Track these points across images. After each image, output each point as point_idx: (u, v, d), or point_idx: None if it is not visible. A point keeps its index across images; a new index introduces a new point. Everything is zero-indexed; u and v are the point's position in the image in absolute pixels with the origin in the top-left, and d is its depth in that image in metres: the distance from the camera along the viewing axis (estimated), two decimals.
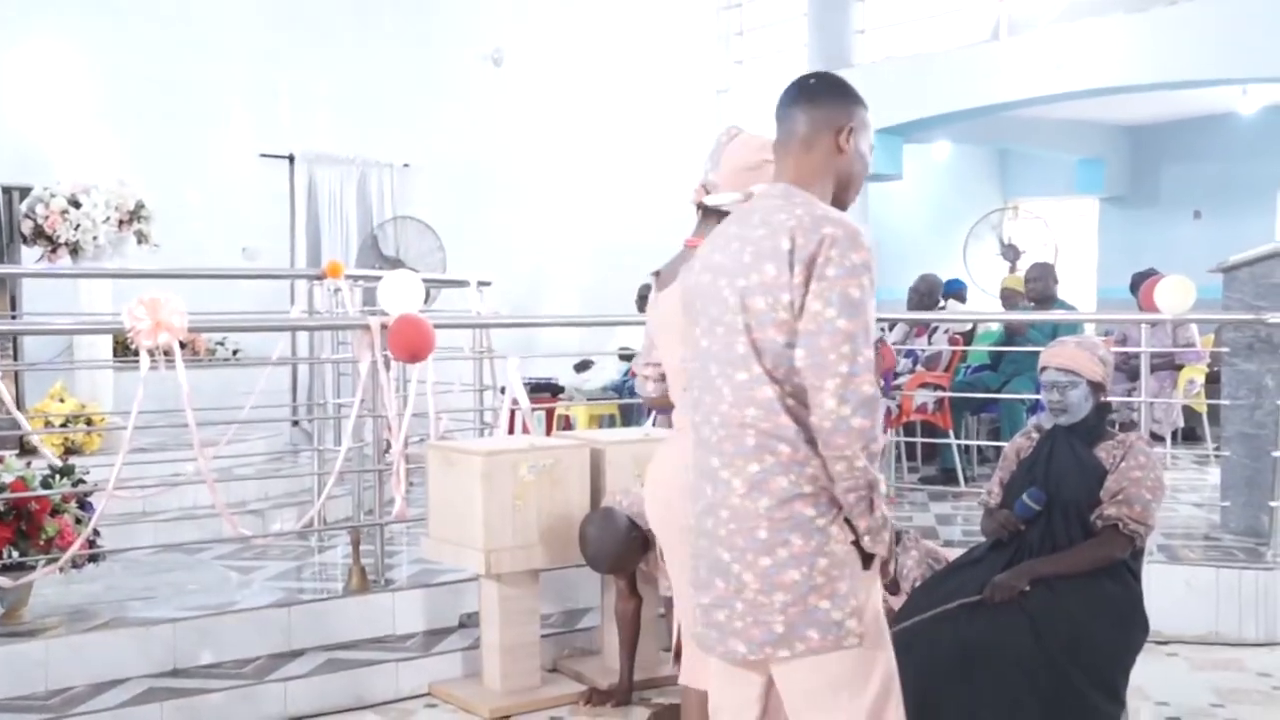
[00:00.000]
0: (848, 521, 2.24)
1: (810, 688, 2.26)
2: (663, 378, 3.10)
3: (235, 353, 8.92)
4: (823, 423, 2.20)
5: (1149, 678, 4.57)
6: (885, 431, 7.99)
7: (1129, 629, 3.73)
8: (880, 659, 2.29)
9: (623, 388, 8.68)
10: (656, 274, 3.07)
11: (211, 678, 4.42)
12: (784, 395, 2.23)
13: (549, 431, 8.05)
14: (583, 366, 9.26)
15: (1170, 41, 9.56)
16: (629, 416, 8.45)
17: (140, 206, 7.28)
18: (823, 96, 2.44)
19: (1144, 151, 13.65)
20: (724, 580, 2.26)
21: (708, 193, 2.87)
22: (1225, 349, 6.12)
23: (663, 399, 3.14)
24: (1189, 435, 9.64)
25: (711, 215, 2.87)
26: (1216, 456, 6.32)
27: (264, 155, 10.14)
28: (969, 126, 11.91)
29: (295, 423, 9.00)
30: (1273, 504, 5.62)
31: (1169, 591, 5.21)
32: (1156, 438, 8.76)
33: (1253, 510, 5.88)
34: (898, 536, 4.24)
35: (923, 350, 8.49)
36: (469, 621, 5.03)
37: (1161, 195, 13.45)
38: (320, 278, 6.97)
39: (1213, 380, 8.72)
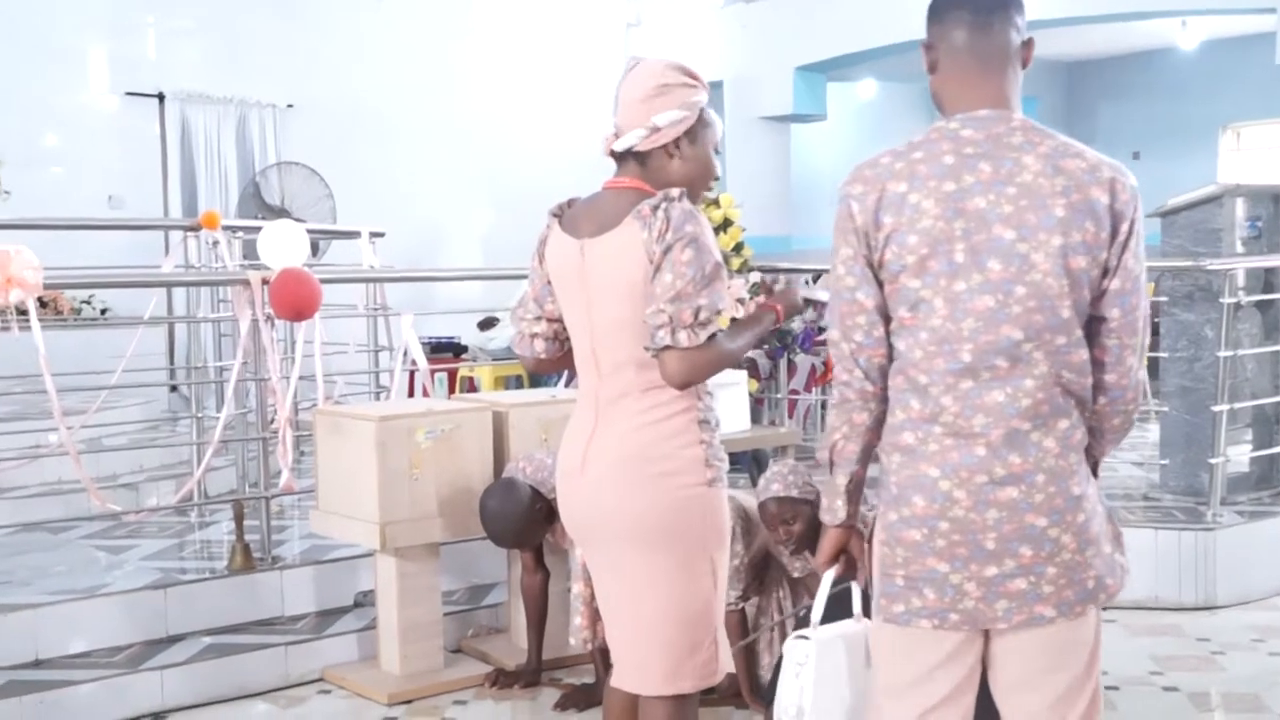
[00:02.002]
0: None
1: (1065, 642, 2.33)
2: (555, 336, 2.91)
3: (103, 312, 8.72)
4: (1122, 380, 2.33)
5: None
6: (810, 390, 8.06)
7: None
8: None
9: None
10: (558, 215, 2.86)
11: (78, 668, 4.32)
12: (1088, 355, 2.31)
13: (451, 394, 7.99)
14: (487, 324, 9.19)
15: None
16: (537, 378, 8.40)
17: None
18: (1016, 1, 2.38)
19: (1080, 89, 13.85)
20: (1033, 547, 2.26)
21: (617, 138, 2.75)
22: (1164, 298, 6.24)
23: (553, 361, 2.95)
24: None
25: (629, 159, 2.77)
26: (1156, 413, 6.47)
27: (130, 94, 9.88)
28: (896, 63, 11.96)
29: (173, 388, 8.84)
30: (1213, 461, 5.76)
31: None
32: None
33: (1192, 468, 6.01)
34: None
35: None
36: (364, 600, 4.99)
37: (1099, 135, 13.66)
38: (195, 229, 6.82)
39: (1153, 332, 8.91)
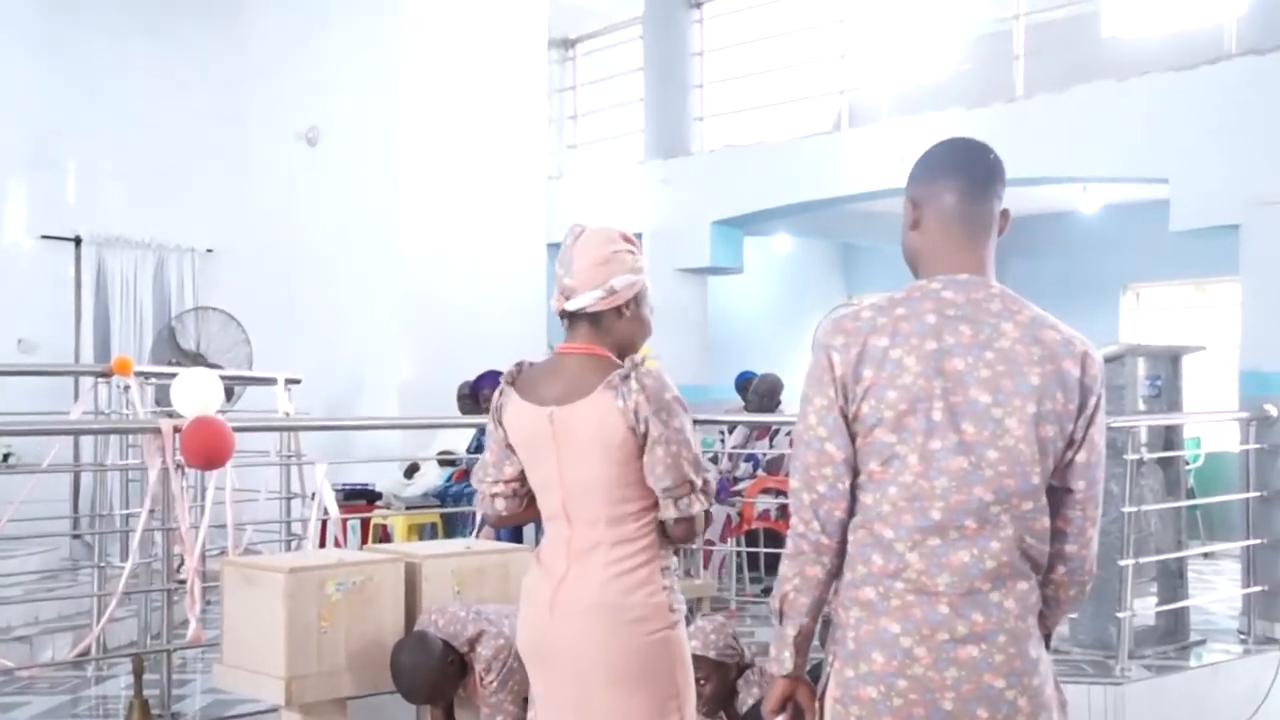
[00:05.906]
0: None
1: None
2: (515, 494, 3.01)
3: (6, 457, 8.52)
4: (1082, 550, 2.38)
5: None
6: (725, 541, 8.06)
7: None
8: None
9: (446, 495, 8.56)
10: (513, 380, 2.97)
11: None
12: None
13: (364, 543, 7.88)
14: (412, 470, 9.11)
15: (1009, 138, 10.01)
16: (452, 526, 8.33)
17: None
18: (1002, 173, 2.43)
19: None
20: (989, 709, 2.26)
21: (567, 299, 2.89)
22: None
23: (514, 516, 3.07)
24: None
25: (581, 320, 2.90)
26: None
27: (46, 236, 9.82)
28: (811, 219, 12.28)
29: (77, 535, 8.62)
30: (1120, 615, 5.83)
31: None
32: None
33: (1101, 622, 6.08)
34: (746, 668, 4.23)
35: (764, 454, 8.60)
36: None
37: None
38: (107, 375, 6.74)
39: None
